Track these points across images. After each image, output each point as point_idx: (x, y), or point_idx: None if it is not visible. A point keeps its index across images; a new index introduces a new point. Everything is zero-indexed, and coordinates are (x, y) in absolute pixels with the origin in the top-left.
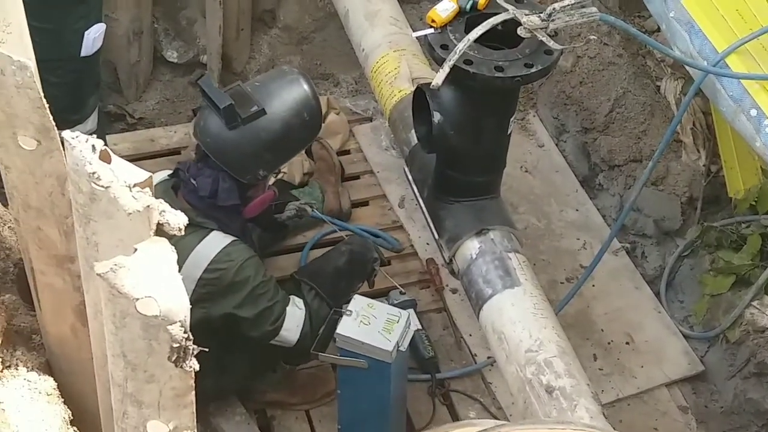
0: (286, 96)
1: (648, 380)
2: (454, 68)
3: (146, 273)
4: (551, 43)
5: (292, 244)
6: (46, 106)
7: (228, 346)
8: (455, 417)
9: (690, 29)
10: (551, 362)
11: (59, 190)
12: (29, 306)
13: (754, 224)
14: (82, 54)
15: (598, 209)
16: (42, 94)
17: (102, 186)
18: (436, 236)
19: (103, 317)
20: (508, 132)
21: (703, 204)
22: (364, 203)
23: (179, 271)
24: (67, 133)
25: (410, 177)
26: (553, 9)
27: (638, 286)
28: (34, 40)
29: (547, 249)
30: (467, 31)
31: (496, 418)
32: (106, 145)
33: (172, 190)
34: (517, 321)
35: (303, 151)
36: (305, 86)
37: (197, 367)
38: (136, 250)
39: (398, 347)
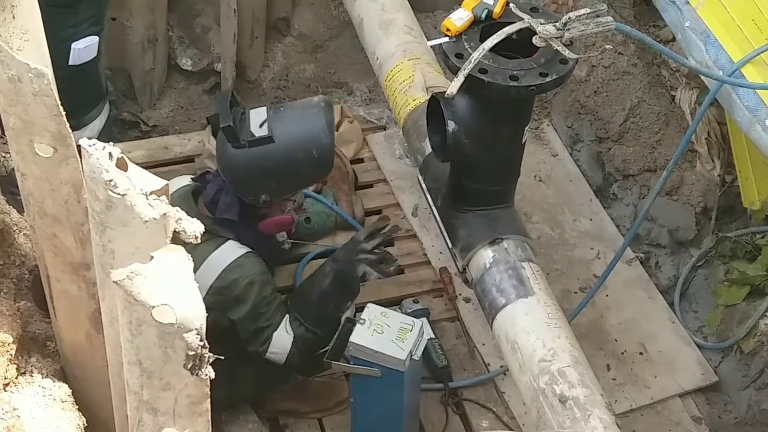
0: (300, 128)
1: (661, 390)
2: (468, 77)
3: (162, 281)
4: (566, 53)
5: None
6: (63, 113)
7: (239, 356)
8: (468, 426)
9: (706, 39)
10: (565, 372)
11: (75, 198)
12: (44, 313)
13: None
14: (70, 63)
15: (612, 219)
16: (59, 102)
17: (118, 194)
18: (450, 245)
19: (118, 324)
20: (523, 141)
21: (718, 214)
22: (377, 212)
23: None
24: (84, 141)
25: (424, 186)
26: (569, 18)
27: (652, 296)
28: None
29: (560, 258)
30: (482, 40)
31: (509, 427)
32: None
33: (193, 196)
34: (530, 330)
35: None
36: (322, 123)
37: (212, 374)
38: (152, 257)
39: (411, 356)
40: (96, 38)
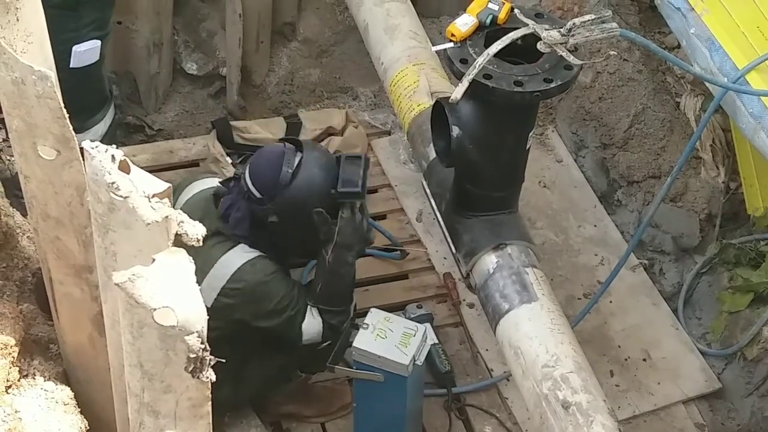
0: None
1: (665, 397)
2: (473, 83)
3: (164, 283)
4: (571, 59)
5: None
6: (66, 116)
7: (246, 356)
8: None
9: (710, 46)
10: (568, 378)
11: (78, 200)
12: (47, 316)
13: None
14: (72, 65)
15: (616, 225)
16: (62, 104)
17: (121, 196)
18: (454, 250)
19: (120, 327)
20: (527, 147)
21: (722, 221)
22: (381, 217)
23: (203, 279)
24: (86, 144)
25: (428, 191)
26: (573, 24)
27: (656, 303)
28: None
29: (564, 264)
30: (487, 45)
31: None
32: None
33: (215, 198)
34: (533, 336)
35: None
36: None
37: (214, 377)
38: (154, 260)
39: (414, 361)
40: (98, 42)
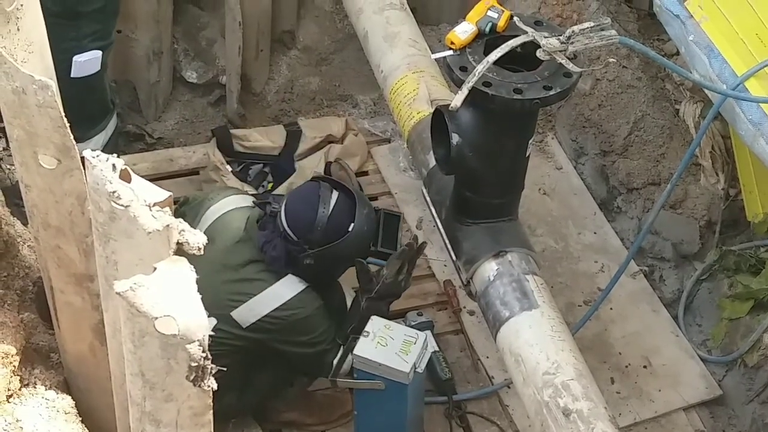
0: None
1: (665, 404)
2: (472, 90)
3: (165, 292)
4: (570, 66)
5: None
6: (67, 125)
7: (254, 364)
8: None
9: (709, 53)
10: (568, 385)
11: (79, 209)
12: (48, 324)
13: None
14: (72, 75)
15: (616, 232)
16: (63, 114)
17: (122, 205)
18: (454, 258)
19: (121, 336)
20: (527, 154)
21: (722, 228)
22: None
23: (245, 301)
24: (87, 152)
25: (428, 198)
26: (573, 32)
27: (656, 310)
28: None
29: (564, 271)
30: (486, 53)
31: None
32: None
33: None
34: (534, 343)
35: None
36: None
37: (215, 386)
38: (155, 269)
39: (415, 368)
40: (99, 53)
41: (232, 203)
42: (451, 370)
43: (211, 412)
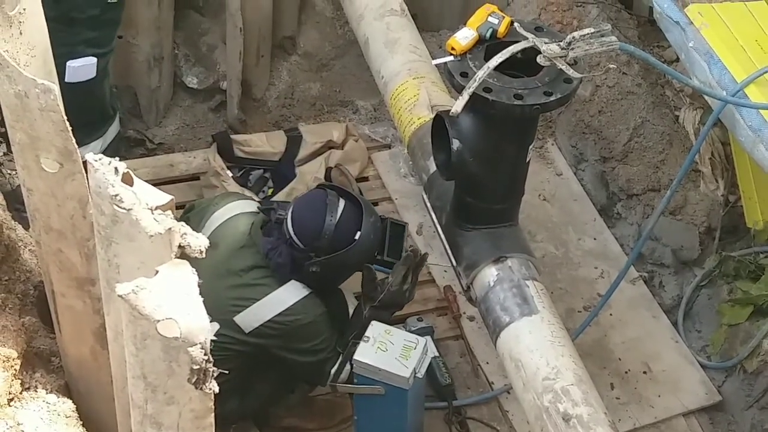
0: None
1: (665, 410)
2: (473, 96)
3: (167, 295)
4: (570, 72)
5: None
6: (69, 129)
7: (256, 369)
8: None
9: (709, 59)
10: (568, 390)
11: (81, 213)
12: (49, 328)
13: None
14: (66, 80)
15: (616, 238)
16: (65, 117)
17: (124, 208)
18: (454, 263)
19: (123, 339)
20: (527, 160)
21: (722, 234)
22: None
23: (249, 306)
24: (90, 156)
25: (428, 204)
26: (573, 38)
27: (656, 316)
28: None
29: (564, 277)
30: (487, 59)
31: None
32: None
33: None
34: (534, 349)
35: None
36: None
37: (217, 389)
38: (157, 272)
39: (415, 374)
40: (94, 59)
41: (237, 208)
42: (451, 376)
43: (213, 415)
